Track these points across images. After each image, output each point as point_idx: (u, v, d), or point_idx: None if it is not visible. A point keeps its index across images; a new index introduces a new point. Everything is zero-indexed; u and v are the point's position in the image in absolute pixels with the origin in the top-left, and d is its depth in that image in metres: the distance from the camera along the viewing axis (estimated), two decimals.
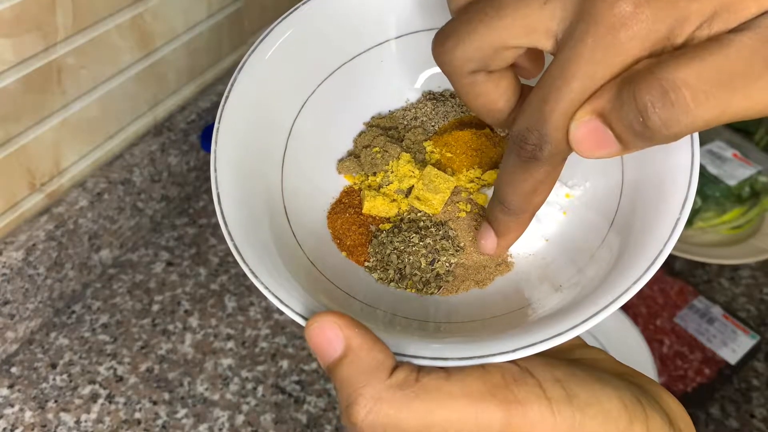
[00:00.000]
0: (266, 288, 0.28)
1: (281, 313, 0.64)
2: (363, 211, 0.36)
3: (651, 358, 0.57)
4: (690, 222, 0.72)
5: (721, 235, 0.71)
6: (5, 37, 0.52)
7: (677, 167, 0.30)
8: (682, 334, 0.62)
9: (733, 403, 0.58)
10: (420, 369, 0.25)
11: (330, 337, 0.25)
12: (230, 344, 0.61)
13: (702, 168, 0.72)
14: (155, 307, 0.64)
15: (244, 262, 0.29)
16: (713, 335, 0.62)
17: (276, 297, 0.28)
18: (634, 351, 0.58)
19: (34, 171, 0.59)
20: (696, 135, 0.30)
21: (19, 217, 0.59)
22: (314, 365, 0.60)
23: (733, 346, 0.61)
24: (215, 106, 0.74)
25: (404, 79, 0.39)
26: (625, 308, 0.63)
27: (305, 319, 0.27)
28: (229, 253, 0.69)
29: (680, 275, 0.68)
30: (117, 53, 0.62)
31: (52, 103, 0.58)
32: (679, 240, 0.74)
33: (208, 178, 0.77)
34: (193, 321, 0.63)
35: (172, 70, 0.70)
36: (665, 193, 0.29)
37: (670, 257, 0.69)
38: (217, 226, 0.72)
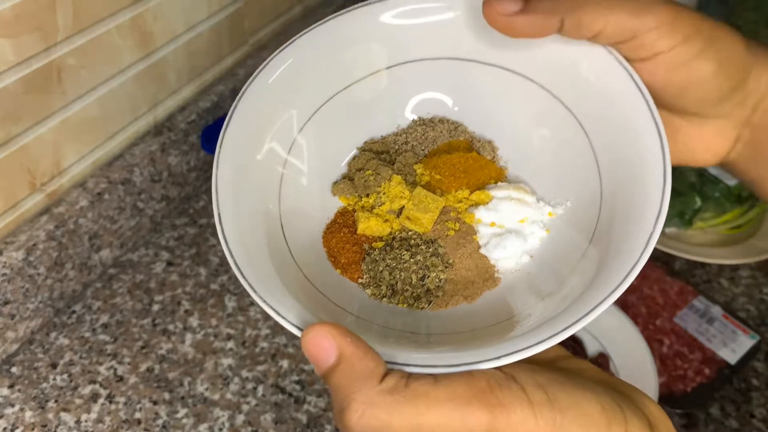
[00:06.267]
0: (265, 302, 0.30)
1: None
2: (357, 232, 0.38)
3: (651, 358, 0.57)
4: (690, 222, 0.72)
5: (721, 235, 0.71)
6: (5, 37, 0.52)
7: (651, 184, 0.31)
8: (682, 334, 0.62)
9: (733, 403, 0.58)
10: (409, 375, 0.27)
11: (324, 346, 0.27)
12: (230, 344, 0.61)
13: (702, 168, 0.72)
14: (155, 307, 0.64)
15: (245, 278, 0.31)
16: (713, 335, 0.62)
17: (273, 310, 0.30)
18: (633, 351, 0.58)
19: (35, 171, 0.59)
20: (668, 157, 0.32)
21: (20, 217, 0.59)
22: None
23: (733, 346, 0.61)
24: (215, 106, 0.74)
25: (396, 106, 0.41)
26: (625, 308, 0.63)
27: (301, 329, 0.29)
28: None
29: (680, 275, 0.68)
30: (117, 53, 0.62)
31: (53, 103, 0.58)
32: (679, 240, 0.74)
33: (209, 178, 0.77)
34: (194, 321, 0.63)
35: (172, 70, 0.70)
36: (640, 209, 0.31)
37: (670, 257, 0.69)
38: None
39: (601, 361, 0.58)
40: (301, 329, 0.29)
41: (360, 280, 0.36)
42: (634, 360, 0.57)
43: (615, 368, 0.58)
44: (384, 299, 0.36)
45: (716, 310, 0.63)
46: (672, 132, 0.37)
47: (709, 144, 0.38)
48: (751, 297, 0.66)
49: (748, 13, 1.06)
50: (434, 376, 0.26)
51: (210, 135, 0.72)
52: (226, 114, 0.80)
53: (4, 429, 0.54)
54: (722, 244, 0.70)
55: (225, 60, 0.77)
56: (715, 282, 0.68)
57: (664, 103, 0.35)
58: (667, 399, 0.57)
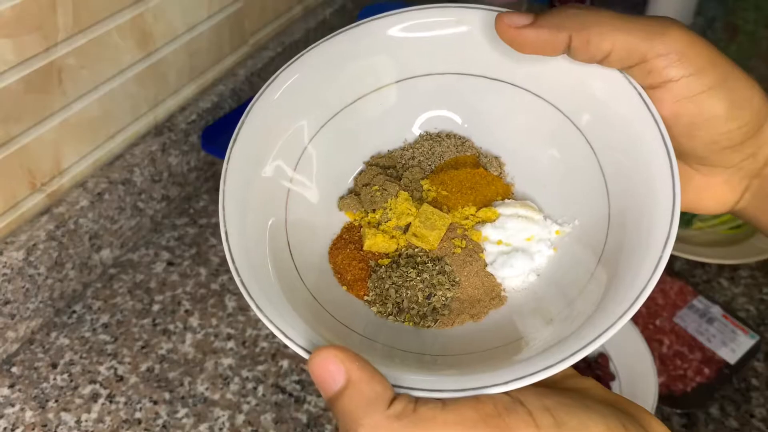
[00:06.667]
0: (271, 322, 0.29)
1: None
2: (364, 248, 0.37)
3: (651, 358, 0.57)
4: (689, 222, 0.72)
5: (721, 235, 0.71)
6: (6, 37, 0.52)
7: (660, 206, 0.31)
8: (682, 334, 0.62)
9: (732, 403, 0.58)
10: (417, 400, 0.26)
11: (332, 370, 0.26)
12: (230, 344, 0.61)
13: None
14: (156, 307, 0.64)
15: (251, 297, 0.30)
16: (713, 335, 0.62)
17: (280, 331, 0.29)
18: (633, 351, 0.58)
19: (35, 171, 0.59)
20: (677, 178, 0.31)
21: (20, 217, 0.59)
22: None
23: (733, 345, 0.61)
24: (215, 106, 0.74)
25: (403, 121, 0.41)
26: None
27: (308, 352, 0.28)
28: None
29: (680, 275, 0.68)
30: (117, 53, 0.63)
31: (53, 103, 0.58)
32: (678, 240, 0.74)
33: (209, 179, 0.77)
34: (194, 321, 0.63)
35: (173, 71, 0.70)
36: (649, 231, 0.31)
37: (670, 257, 0.69)
38: (217, 226, 0.72)
39: (601, 361, 0.58)
40: (308, 351, 0.28)
41: (366, 298, 0.36)
42: (634, 360, 0.57)
43: (615, 368, 0.58)
44: (390, 317, 0.35)
45: (716, 310, 0.64)
46: (682, 181, 0.36)
47: (716, 194, 0.37)
48: (751, 297, 0.66)
49: (748, 13, 1.06)
50: (442, 401, 0.26)
51: (210, 135, 0.72)
52: (226, 114, 0.80)
53: (5, 429, 0.54)
54: (722, 244, 0.70)
55: (225, 60, 0.77)
56: (715, 282, 0.68)
57: (674, 145, 0.34)
58: (667, 399, 0.57)
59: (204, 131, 0.72)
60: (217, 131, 0.72)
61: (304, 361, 0.60)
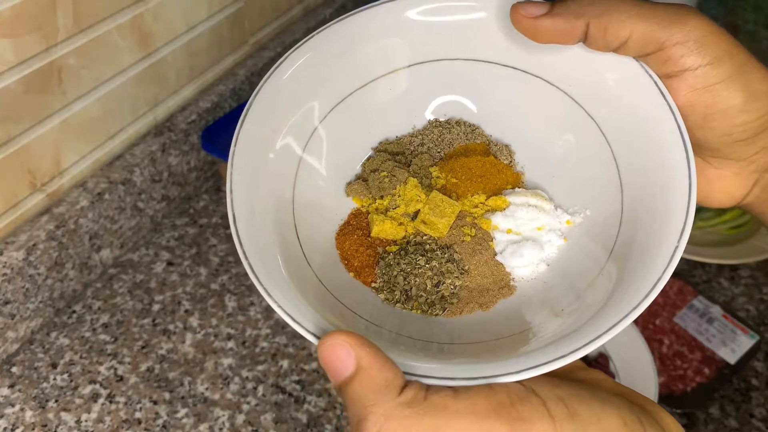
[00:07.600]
0: (280, 307, 0.29)
1: None
2: (371, 235, 0.37)
3: (650, 358, 0.57)
4: None
5: (721, 235, 0.71)
6: (6, 38, 0.52)
7: (675, 197, 0.31)
8: (682, 334, 0.62)
9: (732, 402, 0.58)
10: (428, 388, 0.26)
11: (341, 356, 0.26)
12: (230, 344, 0.61)
13: None
14: (156, 307, 0.64)
15: (259, 282, 0.30)
16: (713, 335, 0.62)
17: (289, 316, 0.29)
18: (633, 351, 0.58)
19: (35, 171, 0.59)
20: (693, 169, 0.31)
21: (20, 217, 0.59)
22: (314, 365, 0.60)
23: (733, 345, 0.61)
24: (216, 106, 0.74)
25: (412, 107, 0.41)
26: None
27: (317, 337, 0.28)
28: (230, 253, 0.69)
29: (680, 275, 0.68)
30: (117, 53, 0.63)
31: (53, 103, 0.58)
32: None
33: (209, 178, 0.77)
34: (194, 321, 0.63)
35: (173, 71, 0.70)
36: (663, 222, 0.30)
37: None
38: (217, 226, 0.72)
39: (601, 360, 0.58)
40: (317, 337, 0.28)
41: (373, 285, 0.36)
42: (634, 360, 0.58)
43: (615, 368, 0.58)
44: (398, 305, 0.35)
45: (716, 310, 0.64)
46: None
47: (726, 186, 0.37)
48: (751, 297, 0.66)
49: (748, 13, 1.06)
50: (453, 389, 0.26)
51: (210, 135, 0.72)
52: (226, 114, 0.80)
53: (5, 429, 0.54)
54: (722, 244, 0.70)
55: (225, 60, 0.77)
56: (715, 282, 0.68)
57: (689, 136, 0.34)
58: (667, 399, 0.57)
59: (204, 131, 0.72)
60: (217, 131, 0.72)
61: (304, 361, 0.60)
